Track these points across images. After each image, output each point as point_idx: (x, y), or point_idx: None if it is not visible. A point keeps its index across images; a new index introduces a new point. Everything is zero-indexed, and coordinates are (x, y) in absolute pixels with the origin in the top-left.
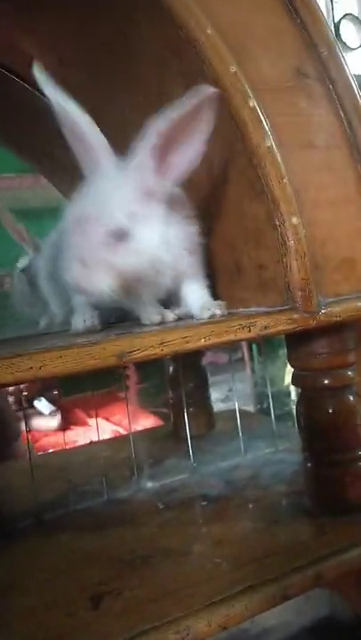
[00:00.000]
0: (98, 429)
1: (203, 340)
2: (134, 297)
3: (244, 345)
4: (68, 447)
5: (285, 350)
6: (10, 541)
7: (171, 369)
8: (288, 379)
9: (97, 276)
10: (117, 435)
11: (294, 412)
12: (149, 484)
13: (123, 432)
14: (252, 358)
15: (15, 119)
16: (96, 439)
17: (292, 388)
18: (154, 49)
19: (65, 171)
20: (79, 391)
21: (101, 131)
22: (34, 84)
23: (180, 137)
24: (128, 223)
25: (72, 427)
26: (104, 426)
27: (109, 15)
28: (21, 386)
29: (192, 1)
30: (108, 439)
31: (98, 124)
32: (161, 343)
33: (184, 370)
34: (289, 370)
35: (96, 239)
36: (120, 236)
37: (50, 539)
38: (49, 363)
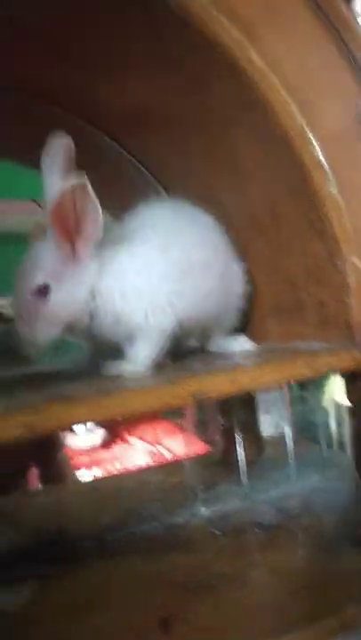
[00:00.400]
0: (149, 453)
1: (270, 377)
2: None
3: None
4: (120, 471)
5: (329, 378)
6: (73, 563)
7: None
8: (332, 406)
9: (33, 329)
10: (165, 460)
11: (336, 439)
12: (203, 510)
13: (168, 456)
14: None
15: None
16: (146, 463)
17: (333, 415)
18: (224, 106)
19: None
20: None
21: (175, 185)
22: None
23: (70, 213)
24: (47, 280)
25: (117, 447)
26: (150, 448)
27: (184, 79)
28: None
29: (264, 64)
30: (160, 464)
31: (173, 180)
32: (232, 382)
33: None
34: (331, 398)
35: (24, 296)
36: (43, 292)
37: (109, 562)
38: (133, 402)
